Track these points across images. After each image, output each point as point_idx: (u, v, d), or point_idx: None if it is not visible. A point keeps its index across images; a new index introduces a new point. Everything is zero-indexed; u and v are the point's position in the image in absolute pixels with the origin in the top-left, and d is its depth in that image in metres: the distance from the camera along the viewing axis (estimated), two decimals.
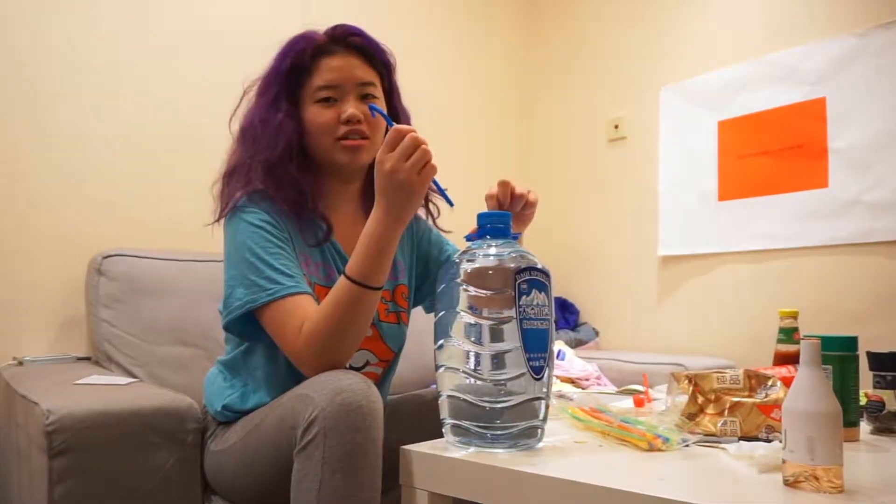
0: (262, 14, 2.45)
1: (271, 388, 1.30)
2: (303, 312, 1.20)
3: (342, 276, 1.20)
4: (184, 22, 2.26)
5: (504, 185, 1.35)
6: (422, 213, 1.50)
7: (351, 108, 1.32)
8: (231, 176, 1.35)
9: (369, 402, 1.07)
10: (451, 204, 1.29)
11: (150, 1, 2.20)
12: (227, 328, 1.29)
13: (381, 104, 1.37)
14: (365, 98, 1.35)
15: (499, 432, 1.04)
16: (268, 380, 1.31)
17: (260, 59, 2.37)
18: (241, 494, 1.30)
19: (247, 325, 1.27)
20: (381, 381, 1.44)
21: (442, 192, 1.30)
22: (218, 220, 1.36)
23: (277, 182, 1.31)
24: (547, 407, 1.09)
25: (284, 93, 1.34)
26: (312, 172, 1.36)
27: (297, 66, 1.34)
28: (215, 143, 2.26)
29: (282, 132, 1.31)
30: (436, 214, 1.50)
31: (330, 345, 1.18)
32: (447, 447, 1.09)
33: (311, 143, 1.35)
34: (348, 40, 1.36)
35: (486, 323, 1.05)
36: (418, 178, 1.15)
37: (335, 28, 1.36)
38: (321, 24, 1.41)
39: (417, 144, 1.14)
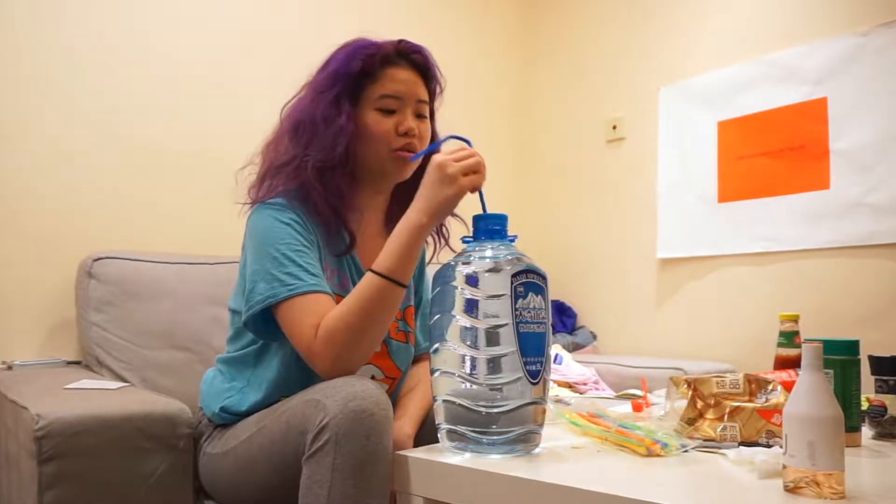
0: (257, 14, 2.44)
1: (276, 390, 1.29)
2: (321, 311, 1.19)
3: (368, 273, 1.19)
4: (176, 22, 2.26)
5: None
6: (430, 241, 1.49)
7: (410, 122, 1.33)
8: (280, 168, 1.33)
9: (381, 410, 1.07)
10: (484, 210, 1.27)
11: (142, 0, 2.19)
12: (245, 324, 1.28)
13: (428, 125, 1.39)
14: (419, 116, 1.36)
15: (495, 437, 1.03)
16: (275, 380, 1.30)
17: (254, 60, 2.39)
18: (240, 498, 1.29)
19: (265, 323, 1.26)
20: (390, 397, 1.42)
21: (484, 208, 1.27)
22: (252, 204, 1.35)
23: (325, 184, 1.30)
24: (544, 412, 1.08)
25: (347, 94, 1.33)
26: (354, 180, 1.36)
27: (364, 69, 1.33)
28: (207, 145, 2.28)
29: (342, 134, 1.30)
30: (447, 236, 1.49)
31: (350, 341, 1.17)
32: (443, 452, 1.08)
33: (364, 149, 1.34)
34: (412, 56, 1.37)
35: (481, 326, 1.04)
36: (464, 178, 1.17)
37: (400, 41, 1.37)
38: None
39: (474, 154, 1.20)
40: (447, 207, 1.19)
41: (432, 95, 1.42)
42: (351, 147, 1.31)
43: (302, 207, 1.31)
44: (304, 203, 1.31)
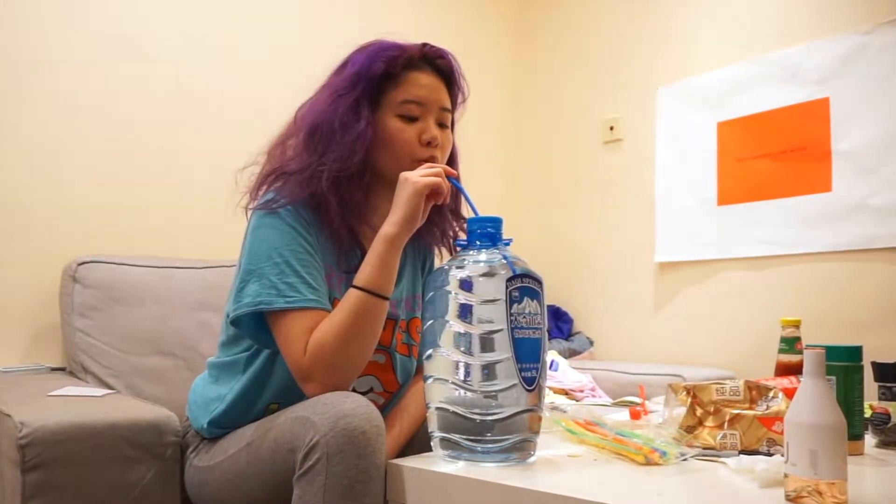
0: (247, 17, 2.43)
1: (264, 397, 1.27)
2: (315, 328, 1.17)
3: (351, 289, 1.18)
4: (168, 25, 2.25)
5: None
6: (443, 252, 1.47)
7: (433, 130, 1.29)
8: (291, 175, 1.27)
9: (372, 427, 1.05)
10: (475, 212, 1.22)
11: (134, 2, 2.18)
12: (234, 323, 1.24)
13: (450, 136, 1.36)
14: (441, 125, 1.32)
15: (489, 446, 1.03)
16: (263, 388, 1.27)
17: (244, 64, 2.38)
18: None
19: (261, 328, 1.23)
20: (382, 412, 1.40)
21: (468, 199, 1.25)
22: (254, 208, 1.29)
23: (340, 197, 1.26)
24: (539, 419, 1.07)
25: (367, 98, 1.28)
26: (369, 189, 1.31)
27: (387, 72, 1.29)
28: (196, 147, 2.27)
29: (360, 141, 1.26)
30: (453, 245, 1.46)
31: (340, 358, 1.15)
32: (436, 461, 1.07)
33: (383, 157, 1.29)
34: (436, 62, 1.34)
35: (476, 332, 1.03)
36: (420, 178, 1.18)
37: (424, 45, 1.34)
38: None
39: (435, 165, 1.24)
40: (411, 212, 1.18)
41: (454, 104, 1.38)
42: (369, 155, 1.28)
43: (312, 217, 1.26)
44: (314, 213, 1.27)
